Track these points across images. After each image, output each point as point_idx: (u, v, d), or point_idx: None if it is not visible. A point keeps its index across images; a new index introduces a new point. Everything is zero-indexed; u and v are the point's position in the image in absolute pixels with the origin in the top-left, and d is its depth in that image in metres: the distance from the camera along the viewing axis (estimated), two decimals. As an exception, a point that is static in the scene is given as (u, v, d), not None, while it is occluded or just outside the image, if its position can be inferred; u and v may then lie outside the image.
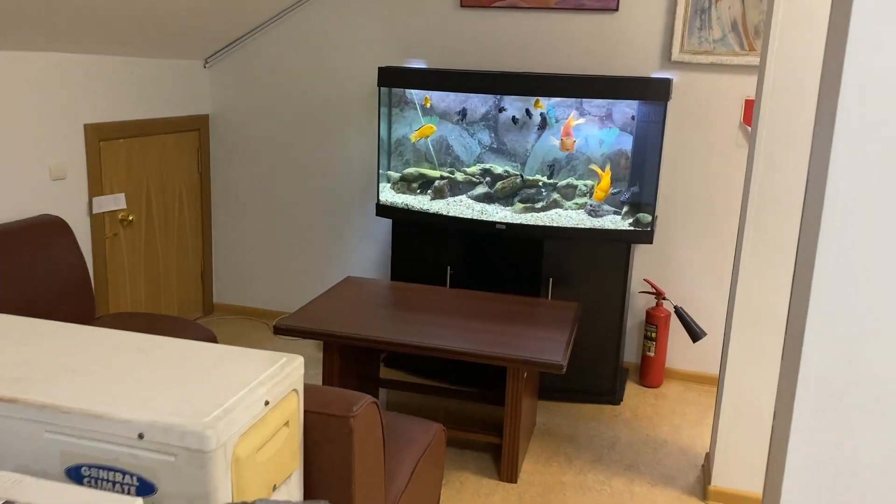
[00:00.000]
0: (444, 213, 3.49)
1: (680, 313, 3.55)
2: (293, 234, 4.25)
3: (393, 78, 3.52)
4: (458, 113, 3.56)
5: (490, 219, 3.42)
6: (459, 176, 3.63)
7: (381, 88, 3.58)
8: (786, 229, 2.46)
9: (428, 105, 3.63)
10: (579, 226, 3.35)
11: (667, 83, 3.20)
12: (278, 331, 2.76)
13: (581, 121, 3.41)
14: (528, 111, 3.50)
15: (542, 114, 3.48)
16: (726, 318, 2.72)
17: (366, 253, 4.14)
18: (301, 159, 4.14)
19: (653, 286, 3.62)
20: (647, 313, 3.65)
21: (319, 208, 4.17)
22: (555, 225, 3.36)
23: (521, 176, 3.53)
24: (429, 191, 3.65)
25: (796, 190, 2.40)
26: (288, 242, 4.27)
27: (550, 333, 2.78)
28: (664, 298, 3.63)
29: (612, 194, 3.45)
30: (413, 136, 3.64)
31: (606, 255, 3.38)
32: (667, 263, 3.69)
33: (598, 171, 3.42)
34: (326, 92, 4.02)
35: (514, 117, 3.52)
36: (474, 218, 3.43)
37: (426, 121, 3.65)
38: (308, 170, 4.15)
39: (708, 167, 3.56)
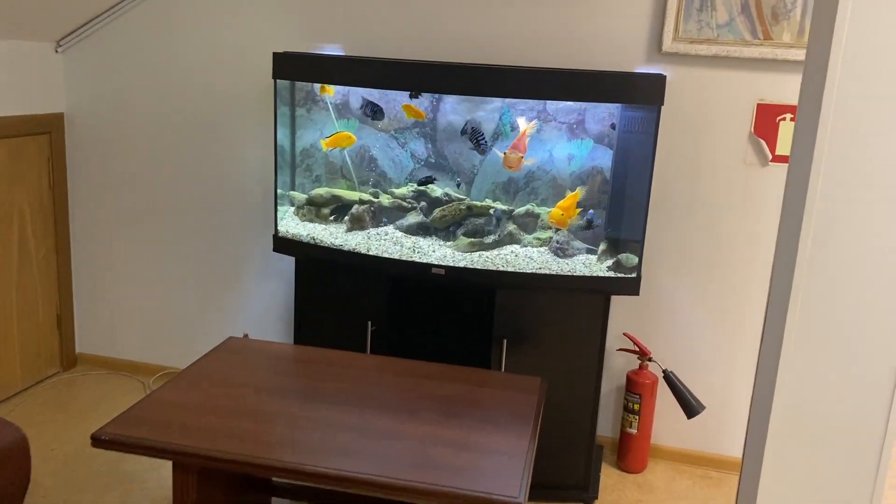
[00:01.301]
0: (364, 250, 2.62)
1: (671, 380, 2.73)
2: (176, 267, 3.31)
3: (292, 67, 2.62)
4: (364, 108, 2.69)
5: (425, 259, 2.55)
6: (385, 199, 2.75)
7: (278, 81, 2.67)
8: (852, 309, 1.64)
9: (329, 94, 2.72)
10: (542, 271, 2.50)
11: (659, 81, 2.38)
12: (98, 444, 1.85)
13: (532, 125, 2.57)
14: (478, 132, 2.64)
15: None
16: (750, 421, 1.90)
17: (268, 292, 3.23)
18: (186, 173, 3.21)
19: (635, 343, 2.80)
20: (629, 378, 2.83)
21: (209, 236, 3.25)
22: (510, 270, 2.51)
23: (467, 201, 2.67)
24: (344, 219, 2.77)
25: (878, 254, 1.59)
26: (170, 278, 3.33)
27: (503, 440, 1.93)
28: (650, 359, 2.81)
29: (587, 225, 2.62)
30: (324, 143, 2.74)
31: (577, 308, 2.55)
32: (652, 313, 2.88)
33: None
34: (218, 86, 3.10)
35: (465, 130, 2.65)
36: (403, 258, 2.56)
37: (342, 126, 2.76)
38: (195, 187, 3.22)
39: (706, 191, 2.75)
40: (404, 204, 2.74)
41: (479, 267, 2.51)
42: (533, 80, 2.40)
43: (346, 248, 2.63)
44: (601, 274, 2.51)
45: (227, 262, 3.25)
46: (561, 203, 2.55)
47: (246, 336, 3.08)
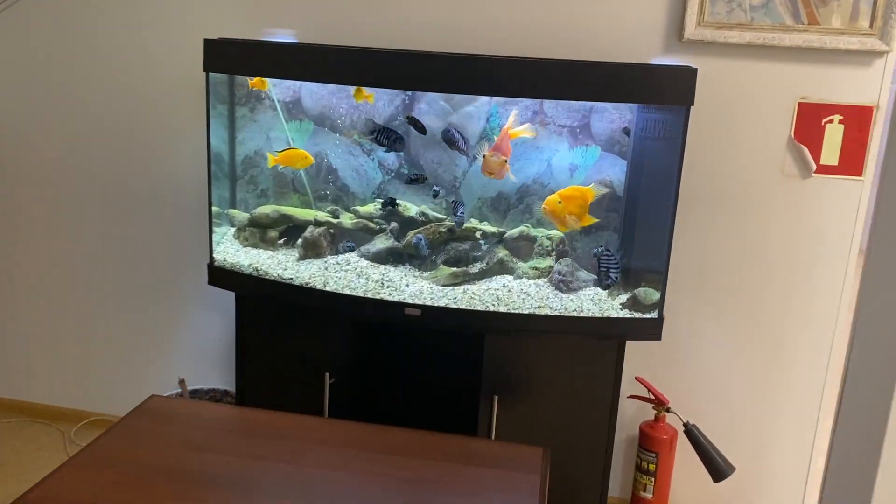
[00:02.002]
0: (320, 284, 2.11)
1: (694, 436, 2.27)
2: (101, 296, 2.78)
3: (229, 57, 2.10)
4: (377, 135, 2.13)
5: (396, 296, 2.06)
6: (347, 219, 2.25)
7: (212, 75, 2.15)
8: None
9: (262, 88, 2.20)
10: (541, 311, 2.02)
11: (689, 76, 1.90)
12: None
13: (524, 129, 2.07)
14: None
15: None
16: (826, 496, 1.44)
17: (209, 325, 2.72)
18: (110, 185, 2.68)
19: (650, 390, 2.34)
20: (642, 433, 2.36)
21: (139, 260, 2.72)
22: (502, 310, 2.02)
23: (449, 222, 2.17)
24: (296, 243, 2.26)
25: None
26: (94, 310, 2.80)
27: (503, 554, 1.44)
28: (668, 410, 2.35)
29: (595, 255, 2.14)
30: (272, 159, 2.23)
31: (584, 355, 2.08)
32: (671, 353, 2.42)
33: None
34: (147, 82, 2.57)
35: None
36: (369, 296, 2.06)
37: (293, 129, 2.25)
38: (121, 202, 2.69)
39: (736, 207, 2.28)
40: (371, 225, 2.24)
41: (463, 306, 2.02)
42: (531, 73, 1.91)
43: (297, 281, 2.12)
44: (613, 314, 2.03)
45: (161, 291, 2.73)
46: (563, 191, 2.02)
47: (182, 382, 2.57)
